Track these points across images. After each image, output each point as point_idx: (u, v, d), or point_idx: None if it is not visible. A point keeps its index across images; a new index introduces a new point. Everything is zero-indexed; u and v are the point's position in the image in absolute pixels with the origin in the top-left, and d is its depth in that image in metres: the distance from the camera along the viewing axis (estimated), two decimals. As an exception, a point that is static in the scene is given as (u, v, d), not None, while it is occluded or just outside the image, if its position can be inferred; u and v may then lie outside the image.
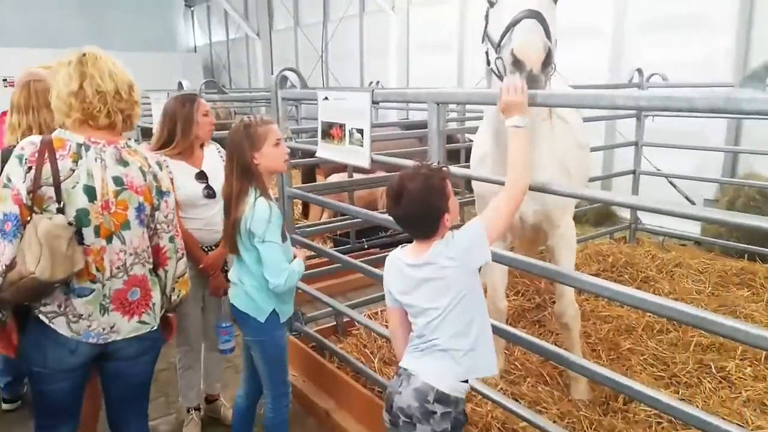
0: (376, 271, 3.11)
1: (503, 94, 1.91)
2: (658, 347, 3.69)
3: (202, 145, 3.01)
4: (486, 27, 2.39)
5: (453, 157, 6.90)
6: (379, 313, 4.14)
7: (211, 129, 3.02)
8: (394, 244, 5.65)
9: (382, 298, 4.25)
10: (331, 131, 2.92)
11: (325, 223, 5.52)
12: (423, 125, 6.89)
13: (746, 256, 5.13)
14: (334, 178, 5.82)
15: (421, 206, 1.80)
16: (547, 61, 1.98)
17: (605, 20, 7.49)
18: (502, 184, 1.97)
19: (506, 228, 1.91)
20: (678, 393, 3.22)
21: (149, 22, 19.25)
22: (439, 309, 1.83)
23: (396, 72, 10.88)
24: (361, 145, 2.69)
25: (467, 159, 5.09)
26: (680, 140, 5.43)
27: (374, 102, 2.59)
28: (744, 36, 5.90)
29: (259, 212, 2.34)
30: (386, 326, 3.90)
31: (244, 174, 2.42)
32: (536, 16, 2.07)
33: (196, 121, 2.89)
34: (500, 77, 2.21)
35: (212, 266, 2.93)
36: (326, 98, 2.93)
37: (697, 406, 3.04)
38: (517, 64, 1.98)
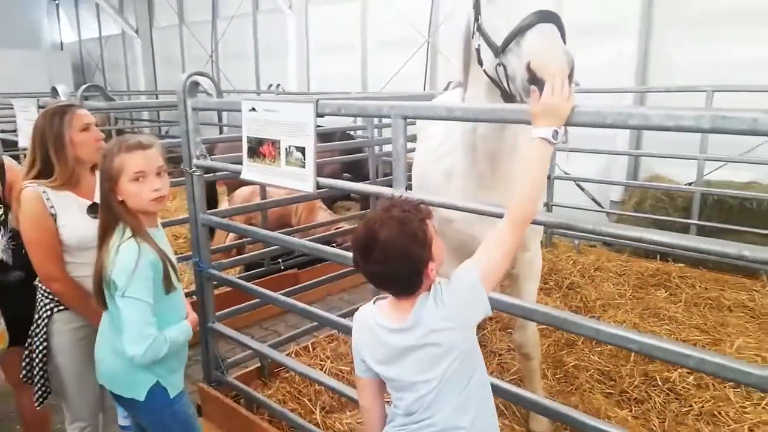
0: (310, 308, 2.70)
1: (546, 94, 1.51)
2: (600, 361, 3.61)
3: (94, 168, 2.41)
4: (478, 20, 2.03)
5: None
6: (310, 347, 3.70)
7: (99, 147, 2.41)
8: (312, 262, 5.31)
9: (315, 327, 3.87)
10: (261, 149, 2.45)
11: (235, 246, 4.95)
12: (344, 136, 6.62)
13: (658, 256, 5.31)
14: (244, 192, 5.25)
15: (399, 260, 1.41)
16: (570, 78, 1.62)
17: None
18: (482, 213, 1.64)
19: (507, 268, 1.59)
20: (631, 411, 3.13)
21: (7, 16, 17.00)
22: (432, 382, 1.47)
23: (296, 74, 10.36)
24: (303, 166, 2.26)
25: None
26: (588, 144, 5.52)
27: (319, 115, 2.17)
28: (644, 42, 6.15)
29: (123, 258, 1.87)
30: (322, 364, 3.48)
31: (107, 210, 1.97)
32: (554, 19, 1.73)
33: (71, 139, 2.27)
34: (500, 86, 1.90)
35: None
36: (253, 109, 2.46)
37: (654, 427, 2.97)
38: (536, 81, 1.62)
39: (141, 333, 1.84)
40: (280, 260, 5.00)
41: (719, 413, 3.01)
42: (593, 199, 6.71)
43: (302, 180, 2.27)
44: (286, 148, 2.33)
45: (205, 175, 2.97)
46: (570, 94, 1.52)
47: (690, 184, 5.65)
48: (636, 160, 6.56)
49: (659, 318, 4.28)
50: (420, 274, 1.44)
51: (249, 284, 2.93)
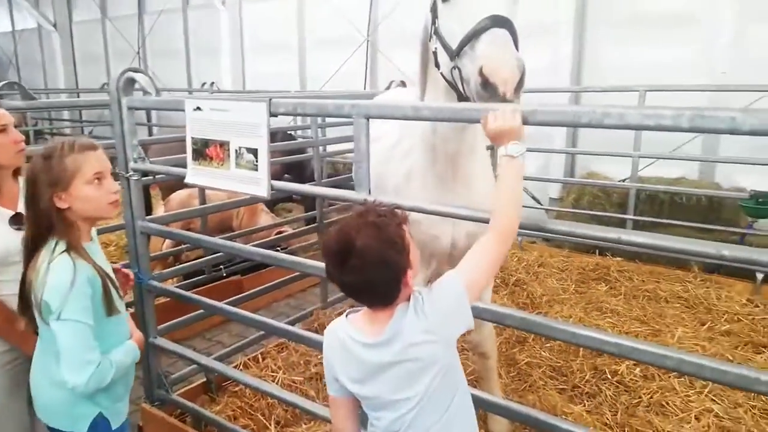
0: (257, 317, 2.56)
1: (491, 121, 1.50)
2: (552, 357, 3.66)
3: (16, 174, 2.17)
4: (435, 24, 2.00)
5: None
6: (259, 357, 3.53)
7: (21, 150, 2.17)
8: (256, 268, 5.10)
9: (262, 337, 3.70)
10: (207, 151, 2.29)
11: (173, 253, 4.68)
12: (286, 137, 6.43)
13: (597, 251, 5.48)
14: (181, 196, 4.98)
15: (376, 268, 1.32)
16: (521, 83, 1.65)
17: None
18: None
19: (490, 280, 1.53)
20: (584, 405, 3.18)
21: None
22: (412, 399, 1.38)
23: (231, 72, 10.00)
24: (255, 169, 2.12)
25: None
26: (527, 143, 5.63)
27: (273, 114, 2.04)
28: (578, 44, 6.35)
29: (55, 276, 1.68)
30: (274, 375, 3.33)
31: (39, 220, 1.75)
32: (506, 24, 1.74)
33: None
34: (456, 88, 1.87)
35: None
36: (198, 108, 2.29)
37: (607, 420, 3.03)
38: (488, 86, 1.64)
39: (82, 359, 1.65)
40: (222, 267, 4.77)
41: (667, 403, 3.11)
42: (533, 197, 6.86)
43: (255, 184, 2.13)
44: (235, 150, 2.18)
45: (143, 179, 2.76)
46: (516, 113, 1.51)
47: (624, 180, 5.88)
48: (573, 158, 6.76)
49: (602, 312, 4.40)
50: (398, 283, 1.35)
51: (193, 295, 2.74)
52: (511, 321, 1.65)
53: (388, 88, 6.32)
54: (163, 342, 2.86)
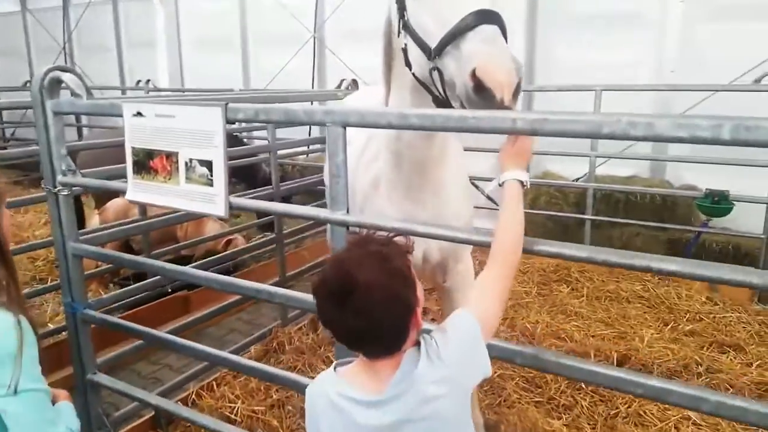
0: (204, 349, 2.28)
1: (509, 144, 1.38)
2: (524, 368, 3.54)
3: None
4: (404, 17, 1.76)
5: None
6: (214, 385, 3.21)
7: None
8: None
9: (217, 362, 3.34)
10: (151, 163, 1.98)
11: (110, 270, 4.25)
12: (233, 139, 6.01)
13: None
14: (117, 204, 4.54)
15: (385, 307, 1.11)
16: (519, 87, 1.45)
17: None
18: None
19: (501, 315, 1.34)
20: (562, 419, 3.06)
21: None
22: None
23: (168, 69, 9.43)
24: (210, 184, 1.83)
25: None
26: (481, 143, 5.52)
27: (230, 121, 1.76)
28: (531, 42, 6.37)
29: None
30: (232, 406, 3.01)
31: None
32: (496, 19, 1.52)
33: None
34: (432, 91, 1.65)
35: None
36: (139, 114, 1.97)
37: (588, 435, 2.93)
38: (482, 91, 1.42)
39: None
40: (167, 284, 4.38)
41: (644, 413, 3.03)
42: (489, 198, 6.77)
43: (210, 201, 1.85)
44: (186, 162, 1.88)
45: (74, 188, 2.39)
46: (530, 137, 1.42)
47: (578, 179, 5.88)
48: (527, 157, 6.72)
49: (567, 314, 4.33)
50: (407, 323, 1.15)
51: (135, 325, 2.41)
52: (522, 359, 1.45)
53: (339, 86, 6.08)
54: (102, 378, 2.52)
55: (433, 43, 1.64)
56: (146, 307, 3.82)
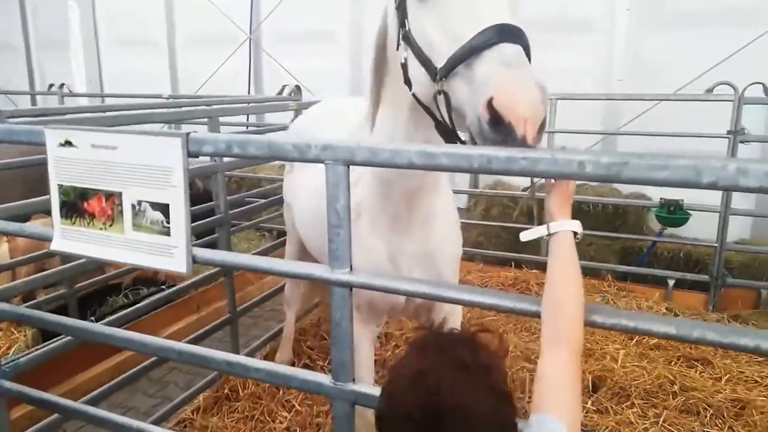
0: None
1: (561, 188, 1.18)
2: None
3: None
4: (405, 26, 1.48)
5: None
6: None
7: None
8: (142, 314, 4.18)
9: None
10: (85, 205, 1.58)
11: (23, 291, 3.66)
12: None
13: (513, 263, 5.31)
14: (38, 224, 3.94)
15: None
16: (545, 122, 1.21)
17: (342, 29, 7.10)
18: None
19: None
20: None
21: None
22: None
23: (85, 72, 8.61)
24: (167, 234, 1.47)
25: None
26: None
27: (192, 154, 1.40)
28: (357, 50, 6.78)
29: None
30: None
31: None
32: (518, 37, 1.27)
33: None
34: (435, 116, 1.42)
35: None
36: (68, 143, 1.56)
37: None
38: (499, 125, 1.16)
39: None
40: (92, 318, 3.86)
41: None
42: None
43: (165, 255, 1.48)
44: (133, 205, 1.50)
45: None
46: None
47: (525, 189, 5.80)
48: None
49: (531, 332, 4.20)
50: None
51: (58, 399, 1.96)
52: None
53: (280, 92, 5.69)
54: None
55: (440, 61, 1.36)
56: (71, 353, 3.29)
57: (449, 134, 1.45)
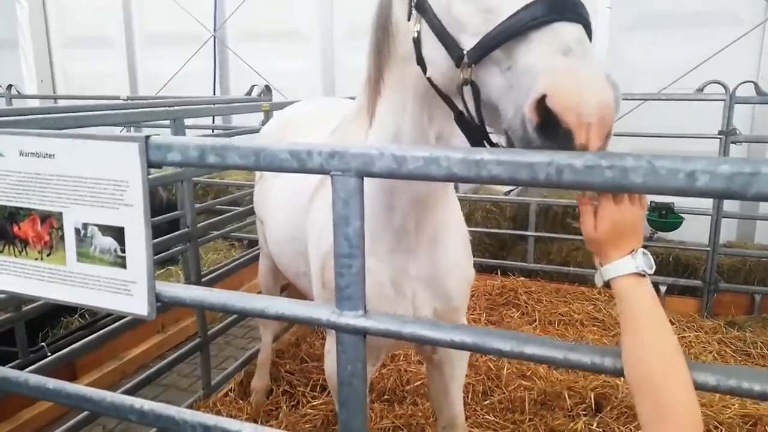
0: None
1: (607, 212, 0.93)
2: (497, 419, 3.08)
3: None
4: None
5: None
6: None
7: None
8: (98, 339, 3.75)
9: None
10: (15, 229, 1.24)
11: None
12: None
13: (499, 270, 5.08)
14: None
15: None
16: (611, 130, 0.92)
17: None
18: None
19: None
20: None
21: None
22: None
23: (35, 72, 8.05)
24: (123, 266, 1.15)
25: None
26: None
27: (153, 164, 1.09)
28: (329, 48, 6.68)
29: None
30: None
31: None
32: (579, 14, 0.98)
33: None
34: (455, 109, 1.17)
35: None
36: (-9, 151, 1.22)
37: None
38: (554, 133, 0.89)
39: None
40: (44, 344, 3.45)
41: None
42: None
43: (122, 293, 1.15)
44: (77, 229, 1.18)
45: None
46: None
47: (509, 192, 5.59)
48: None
49: (523, 345, 3.97)
50: None
51: None
52: None
53: (249, 93, 5.35)
54: None
55: (467, 42, 1.07)
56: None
57: (476, 133, 1.16)
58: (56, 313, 3.95)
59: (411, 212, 1.63)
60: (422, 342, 0.98)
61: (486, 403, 3.20)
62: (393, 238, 1.68)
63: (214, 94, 7.20)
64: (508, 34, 0.98)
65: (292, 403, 3.00)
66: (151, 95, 7.18)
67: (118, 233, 1.14)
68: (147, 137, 1.08)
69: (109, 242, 1.15)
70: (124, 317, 3.72)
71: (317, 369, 3.32)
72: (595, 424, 2.96)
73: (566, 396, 3.19)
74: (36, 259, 1.23)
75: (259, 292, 3.19)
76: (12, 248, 1.25)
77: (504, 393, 3.26)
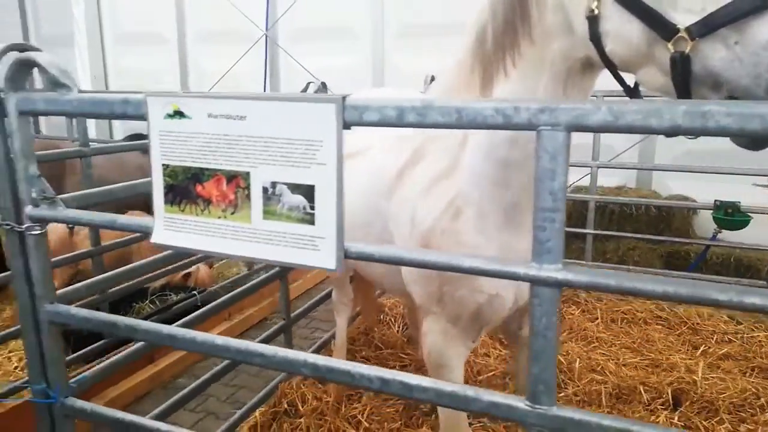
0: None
1: None
2: None
3: None
4: None
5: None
6: None
7: None
8: (177, 317, 3.84)
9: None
10: (198, 188, 1.30)
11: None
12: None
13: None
14: (60, 229, 3.64)
15: None
16: None
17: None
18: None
19: None
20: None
21: None
22: None
23: (89, 68, 8.28)
24: (311, 222, 1.20)
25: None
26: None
27: (348, 125, 1.14)
28: (380, 47, 6.79)
29: None
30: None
31: None
32: None
33: None
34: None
35: None
36: (178, 114, 1.29)
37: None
38: None
39: None
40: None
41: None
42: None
43: (309, 248, 1.21)
44: (264, 188, 1.23)
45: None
46: None
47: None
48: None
49: (588, 341, 3.96)
50: None
51: (146, 422, 1.68)
52: None
53: (304, 90, 5.44)
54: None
55: (683, 18, 1.14)
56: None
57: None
58: (130, 299, 4.06)
59: (527, 188, 1.66)
60: (632, 293, 1.00)
61: (561, 395, 3.20)
62: (502, 215, 1.71)
63: (265, 90, 7.31)
64: (741, 13, 1.07)
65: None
66: (203, 91, 7.33)
67: (307, 191, 1.19)
68: (344, 97, 1.13)
69: (299, 200, 1.20)
70: (195, 303, 3.82)
71: (392, 356, 3.37)
72: (675, 418, 2.94)
73: (641, 390, 3.18)
74: (219, 217, 1.29)
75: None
76: (194, 207, 1.31)
77: (578, 386, 3.26)
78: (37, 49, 1.59)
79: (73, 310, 1.62)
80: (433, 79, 5.00)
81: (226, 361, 2.53)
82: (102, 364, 1.92)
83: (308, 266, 1.21)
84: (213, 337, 1.40)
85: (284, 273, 2.95)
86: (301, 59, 7.07)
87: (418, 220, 1.81)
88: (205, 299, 4.13)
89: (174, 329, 1.47)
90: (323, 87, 5.54)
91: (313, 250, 1.20)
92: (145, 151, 4.71)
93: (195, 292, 4.05)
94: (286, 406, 2.82)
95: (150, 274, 3.57)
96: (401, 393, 1.20)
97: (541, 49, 1.47)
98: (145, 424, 1.58)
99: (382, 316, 3.91)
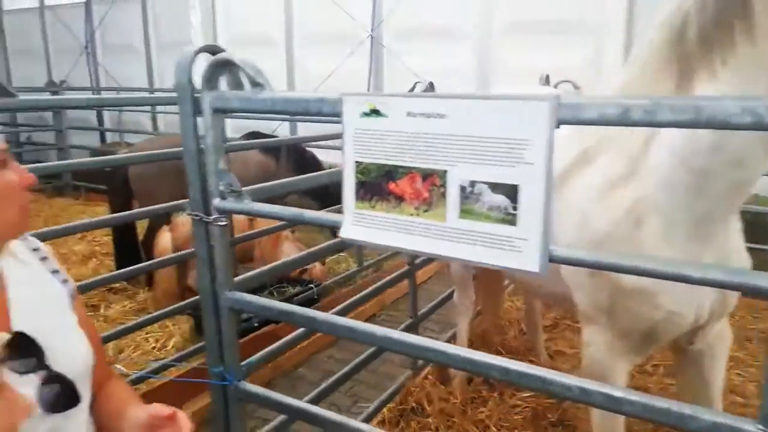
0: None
1: None
2: None
3: None
4: None
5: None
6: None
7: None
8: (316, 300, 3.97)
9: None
10: (391, 186, 1.32)
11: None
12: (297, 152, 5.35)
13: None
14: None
15: None
16: None
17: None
18: None
19: None
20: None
21: None
22: None
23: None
24: (512, 223, 1.18)
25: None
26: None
27: (560, 122, 1.11)
28: (486, 45, 6.61)
29: None
30: None
31: None
32: None
33: None
34: None
35: None
36: (375, 112, 1.32)
37: None
38: None
39: None
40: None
41: None
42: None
43: (509, 248, 1.19)
44: (462, 186, 1.23)
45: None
46: None
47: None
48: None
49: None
50: None
51: (315, 409, 1.74)
52: None
53: (412, 89, 5.46)
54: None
55: None
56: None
57: None
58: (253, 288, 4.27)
59: (725, 199, 1.56)
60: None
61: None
62: (691, 225, 1.62)
63: (369, 91, 7.43)
64: None
65: (493, 394, 3.00)
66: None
67: (509, 191, 1.18)
68: (558, 97, 1.10)
69: (500, 200, 1.19)
70: (312, 296, 3.94)
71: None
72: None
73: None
74: (411, 215, 1.30)
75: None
76: (385, 204, 1.34)
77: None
78: (223, 50, 1.68)
79: (252, 298, 1.71)
80: (548, 78, 4.89)
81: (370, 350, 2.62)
82: (264, 351, 2.01)
83: (508, 268, 1.19)
84: (403, 335, 1.42)
85: (413, 272, 2.96)
86: (405, 59, 7.12)
87: (591, 227, 1.75)
88: (320, 293, 4.26)
89: (353, 322, 1.51)
90: (431, 87, 5.55)
91: (512, 251, 1.19)
92: (265, 149, 4.95)
93: (312, 285, 4.18)
94: (413, 404, 2.84)
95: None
96: (604, 404, 1.16)
97: (764, 50, 1.35)
98: (320, 414, 1.63)
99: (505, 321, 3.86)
